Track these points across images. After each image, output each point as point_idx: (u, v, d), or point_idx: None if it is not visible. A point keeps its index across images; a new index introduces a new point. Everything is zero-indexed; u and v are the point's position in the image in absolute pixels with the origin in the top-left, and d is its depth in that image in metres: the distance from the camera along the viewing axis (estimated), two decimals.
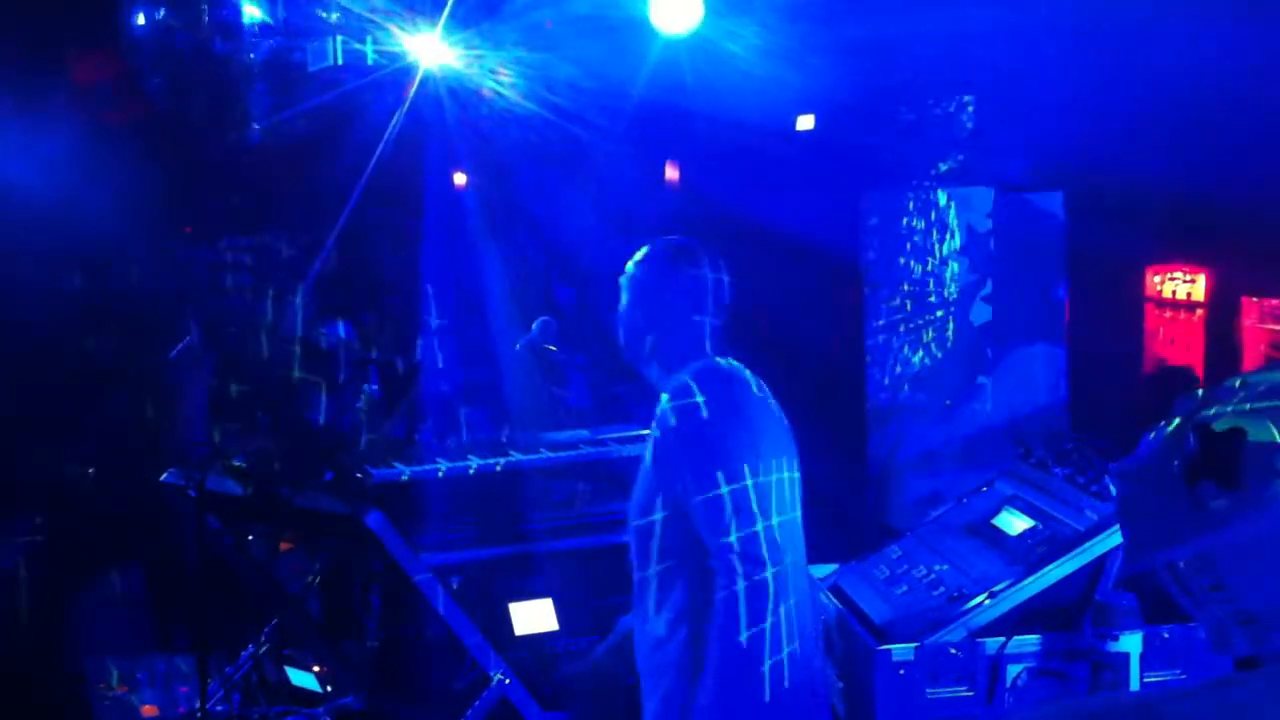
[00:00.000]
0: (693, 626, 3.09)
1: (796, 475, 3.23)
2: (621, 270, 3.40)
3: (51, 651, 5.78)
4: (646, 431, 4.21)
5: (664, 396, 3.15)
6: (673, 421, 3.09)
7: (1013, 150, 6.28)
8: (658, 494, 3.15)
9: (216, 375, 6.19)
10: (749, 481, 3.05)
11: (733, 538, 2.99)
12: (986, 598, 3.66)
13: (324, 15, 6.23)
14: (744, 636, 2.97)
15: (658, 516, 3.15)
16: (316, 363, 6.31)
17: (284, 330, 6.43)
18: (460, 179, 8.95)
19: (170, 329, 6.36)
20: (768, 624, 2.99)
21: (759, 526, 3.02)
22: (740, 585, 2.97)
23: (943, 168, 6.40)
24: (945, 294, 6.25)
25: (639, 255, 3.35)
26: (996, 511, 4.13)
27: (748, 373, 3.25)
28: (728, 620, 2.98)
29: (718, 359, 3.24)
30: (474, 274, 7.78)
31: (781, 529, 3.07)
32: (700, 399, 3.08)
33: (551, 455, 4.74)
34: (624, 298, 3.33)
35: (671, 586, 3.14)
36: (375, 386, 5.96)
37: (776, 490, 3.11)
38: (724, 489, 3.02)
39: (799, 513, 3.22)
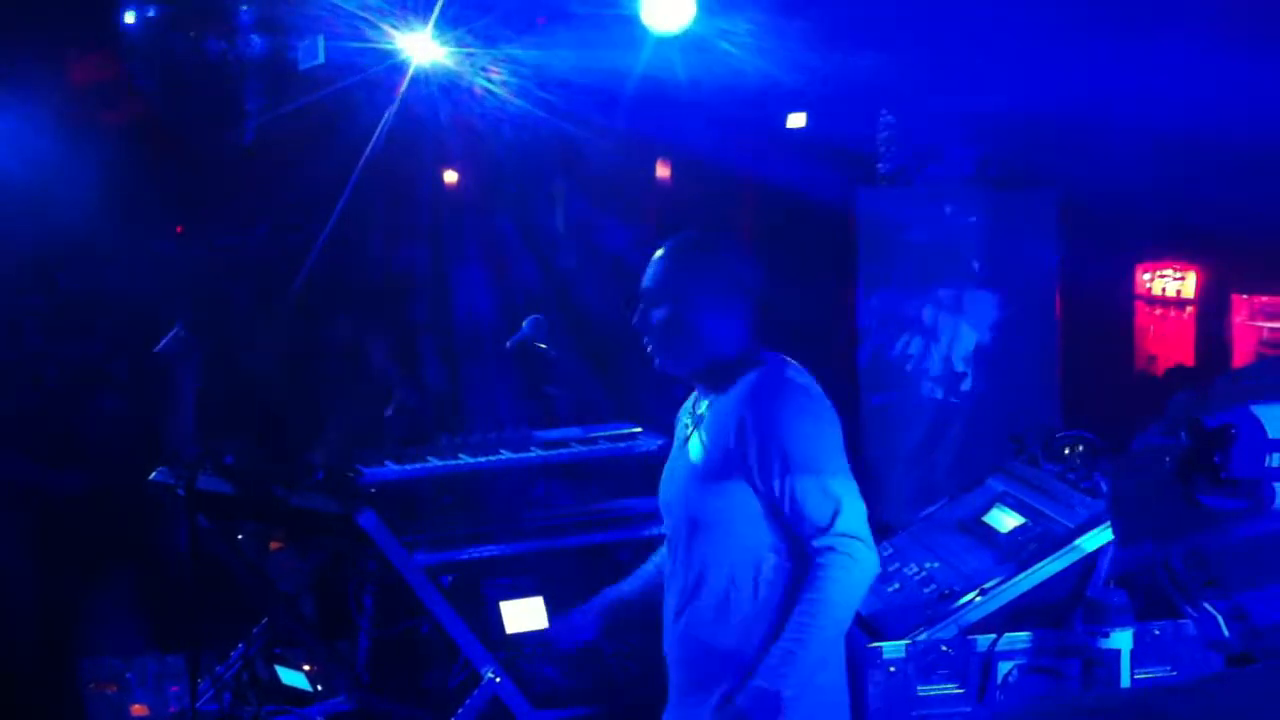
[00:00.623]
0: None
1: None
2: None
3: (42, 651, 5.77)
4: (636, 430, 4.23)
5: (754, 380, 3.14)
6: (789, 402, 3.10)
7: (1004, 149, 6.28)
8: (739, 478, 3.13)
9: (204, 373, 6.17)
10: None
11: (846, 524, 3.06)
12: (978, 595, 3.66)
13: (316, 13, 6.23)
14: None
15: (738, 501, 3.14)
16: (305, 362, 6.30)
17: (273, 329, 6.42)
18: (451, 176, 8.95)
19: (160, 327, 6.35)
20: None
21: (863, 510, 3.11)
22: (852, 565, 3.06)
23: (934, 166, 6.40)
24: (937, 292, 6.26)
25: (667, 253, 3.28)
26: (988, 508, 4.13)
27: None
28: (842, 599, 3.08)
29: (773, 355, 3.24)
30: (464, 271, 7.78)
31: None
32: (807, 381, 3.17)
33: (543, 453, 4.74)
34: (659, 297, 3.24)
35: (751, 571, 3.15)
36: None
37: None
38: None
39: None
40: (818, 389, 3.19)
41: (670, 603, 3.31)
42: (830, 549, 3.05)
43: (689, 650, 3.26)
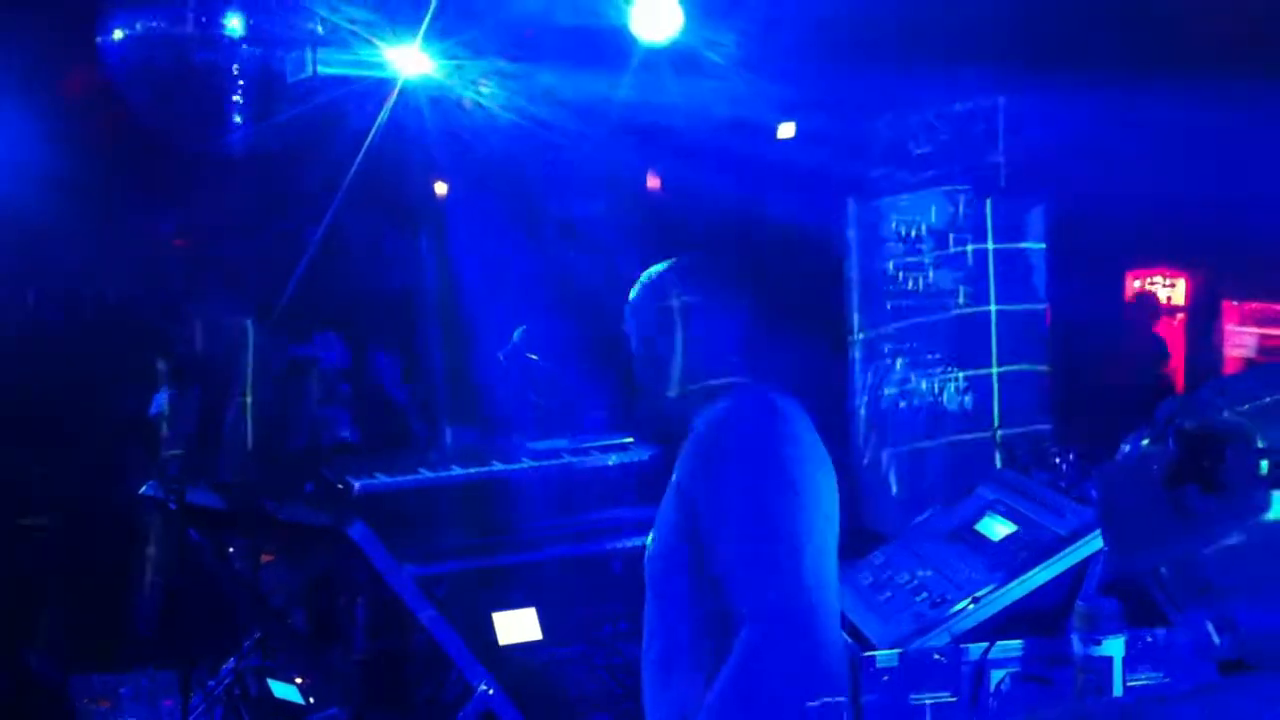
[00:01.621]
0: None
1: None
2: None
3: (33, 667, 5.75)
4: (627, 440, 4.20)
5: (716, 419, 2.94)
6: (738, 450, 2.85)
7: (994, 157, 6.29)
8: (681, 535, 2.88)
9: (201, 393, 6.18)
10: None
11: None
12: (970, 603, 3.66)
13: (304, 25, 6.22)
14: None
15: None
16: (295, 376, 6.30)
17: (262, 345, 6.42)
18: (441, 188, 8.95)
19: (152, 340, 6.35)
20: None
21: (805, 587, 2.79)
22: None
23: (924, 174, 6.41)
24: (928, 300, 6.26)
25: (649, 279, 3.17)
26: (979, 517, 4.13)
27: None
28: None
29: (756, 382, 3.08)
30: (455, 283, 7.78)
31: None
32: (768, 425, 2.88)
33: (533, 464, 4.73)
34: (633, 325, 3.16)
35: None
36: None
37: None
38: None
39: None
40: (791, 429, 2.91)
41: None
42: (745, 632, 2.70)
43: (646, 695, 3.05)
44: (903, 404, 6.37)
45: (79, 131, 7.18)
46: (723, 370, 3.07)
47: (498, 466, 4.69)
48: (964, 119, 6.32)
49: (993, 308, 6.17)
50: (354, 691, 4.82)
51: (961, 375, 6.14)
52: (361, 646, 4.76)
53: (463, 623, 4.42)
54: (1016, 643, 3.66)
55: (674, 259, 3.22)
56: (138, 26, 6.48)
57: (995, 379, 6.17)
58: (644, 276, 3.19)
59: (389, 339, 7.68)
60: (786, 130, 7.24)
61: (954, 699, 3.59)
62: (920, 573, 3.96)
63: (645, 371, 3.14)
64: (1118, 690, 3.47)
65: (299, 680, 4.88)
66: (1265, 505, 1.52)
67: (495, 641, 4.61)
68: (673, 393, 3.09)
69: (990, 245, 6.18)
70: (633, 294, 3.19)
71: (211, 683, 4.75)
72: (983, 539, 4.00)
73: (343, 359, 7.10)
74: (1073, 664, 3.51)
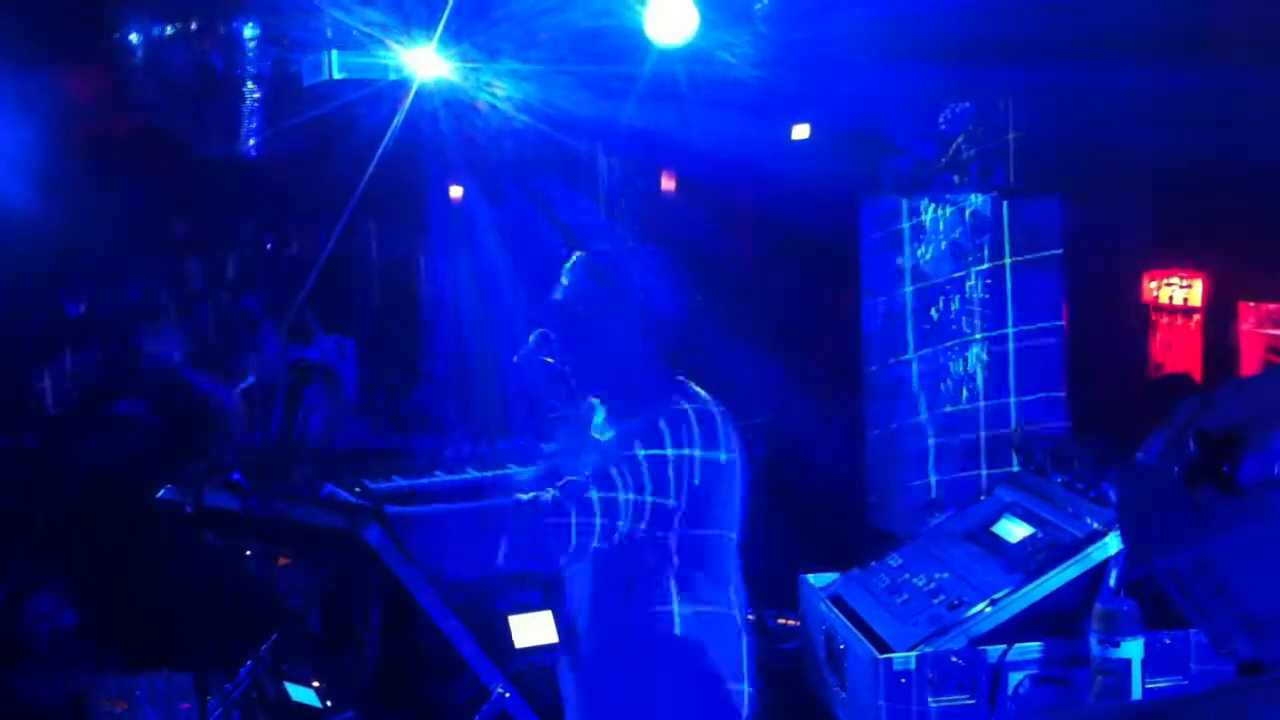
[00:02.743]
0: None
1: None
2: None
3: (51, 669, 5.77)
4: None
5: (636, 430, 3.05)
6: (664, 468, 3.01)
7: (1008, 156, 6.28)
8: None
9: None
10: None
11: None
12: (987, 605, 3.65)
13: (320, 29, 6.24)
14: None
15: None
16: (307, 378, 6.31)
17: (273, 347, 6.43)
18: (456, 192, 8.96)
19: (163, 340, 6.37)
20: None
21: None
22: None
23: (939, 175, 6.40)
24: (943, 302, 6.25)
25: (584, 263, 3.21)
26: (996, 519, 4.12)
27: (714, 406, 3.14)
28: None
29: (684, 387, 3.15)
30: (471, 286, 7.79)
31: None
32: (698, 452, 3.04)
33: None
34: (568, 309, 3.20)
35: None
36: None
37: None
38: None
39: None
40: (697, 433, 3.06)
41: None
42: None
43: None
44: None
45: (93, 136, 7.21)
46: (647, 370, 3.15)
47: (513, 469, 4.69)
48: (977, 118, 6.31)
49: (1004, 296, 6.16)
50: (370, 694, 4.82)
51: (979, 362, 6.14)
52: (376, 649, 4.77)
53: (479, 625, 4.42)
54: (1034, 644, 3.65)
55: (600, 252, 3.26)
56: (154, 31, 6.50)
57: (1010, 380, 6.15)
58: (568, 266, 3.23)
59: (396, 342, 7.69)
60: (801, 131, 7.24)
61: (972, 701, 3.59)
62: (937, 575, 3.95)
63: (574, 366, 3.24)
64: (1136, 692, 3.46)
65: (316, 684, 4.89)
66: None
67: (511, 644, 4.61)
68: (601, 388, 3.22)
69: (1007, 243, 6.17)
70: (560, 286, 3.23)
71: (228, 685, 4.75)
72: (1000, 541, 3.99)
73: (350, 363, 7.13)
74: (1091, 666, 3.51)
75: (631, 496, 3.03)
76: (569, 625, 3.30)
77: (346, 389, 6.92)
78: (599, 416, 3.28)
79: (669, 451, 3.02)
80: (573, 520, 2.99)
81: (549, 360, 3.32)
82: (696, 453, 3.03)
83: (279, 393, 6.34)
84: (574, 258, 3.24)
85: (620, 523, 3.04)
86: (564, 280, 3.22)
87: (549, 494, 3.03)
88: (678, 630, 3.14)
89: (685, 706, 3.17)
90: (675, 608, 3.14)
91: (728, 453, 3.09)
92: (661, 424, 3.04)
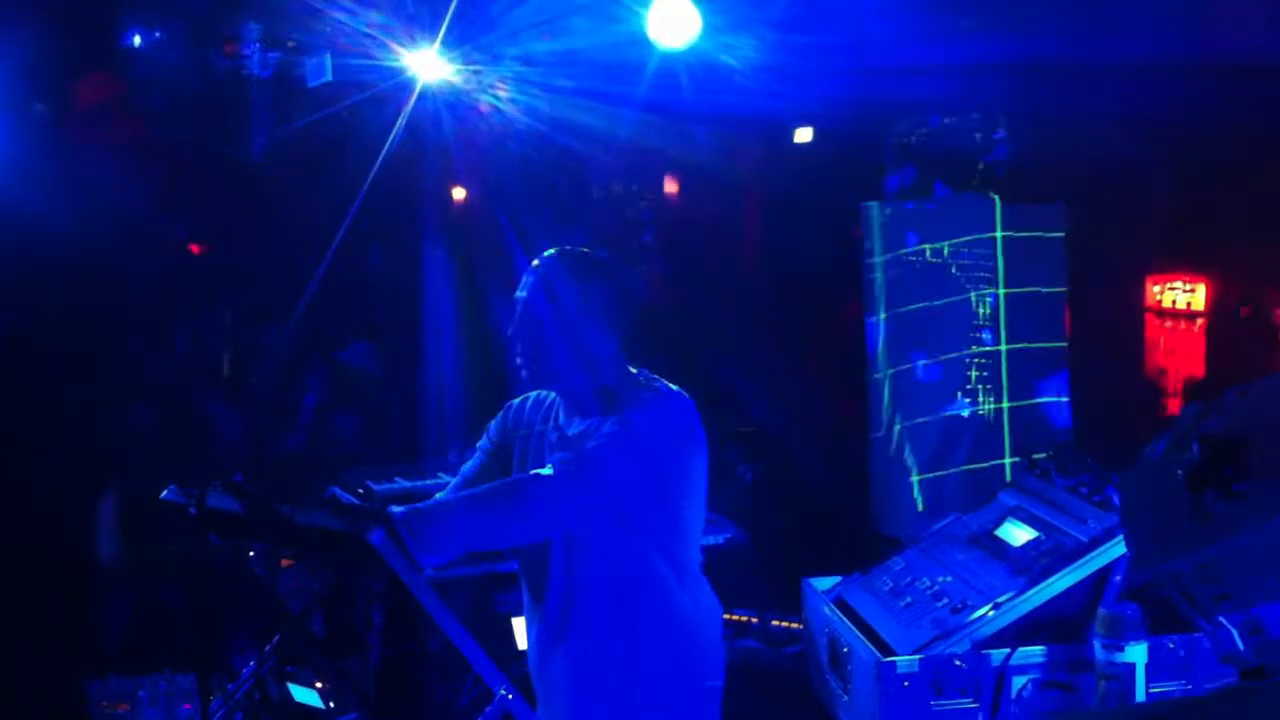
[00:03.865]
0: None
1: None
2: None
3: (53, 669, 5.77)
4: None
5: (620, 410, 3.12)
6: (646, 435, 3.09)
7: (1010, 161, 6.28)
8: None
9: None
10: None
11: None
12: (990, 609, 3.65)
13: (322, 31, 6.24)
14: None
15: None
16: (312, 382, 6.31)
17: (277, 351, 6.43)
18: (459, 194, 8.95)
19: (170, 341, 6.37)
20: None
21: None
22: None
23: (941, 180, 6.40)
24: (946, 307, 6.25)
25: (547, 263, 3.25)
26: (999, 523, 4.12)
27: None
28: None
29: (649, 379, 3.22)
30: (472, 290, 7.79)
31: None
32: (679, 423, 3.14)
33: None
34: (531, 308, 3.23)
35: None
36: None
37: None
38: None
39: None
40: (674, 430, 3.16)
41: None
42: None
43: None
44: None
45: (95, 139, 7.21)
46: (610, 364, 3.22)
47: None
48: (979, 123, 6.31)
49: (1001, 300, 6.16)
50: (373, 696, 4.82)
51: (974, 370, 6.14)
52: (380, 651, 4.77)
53: (482, 627, 4.42)
54: (1038, 649, 3.65)
55: (566, 249, 3.31)
56: (157, 34, 6.51)
57: (1012, 385, 6.16)
58: (534, 263, 3.27)
59: (402, 346, 7.69)
60: (804, 135, 7.24)
61: (975, 705, 3.59)
62: (941, 579, 3.95)
63: (531, 360, 3.27)
64: (1140, 697, 3.46)
65: (319, 685, 4.89)
66: None
67: (515, 646, 4.62)
68: (562, 383, 3.27)
69: (1006, 248, 6.17)
70: (524, 281, 3.27)
71: (231, 686, 4.76)
72: (1004, 545, 3.99)
73: (374, 367, 7.13)
74: (1095, 670, 3.50)
75: (606, 488, 3.11)
76: (557, 616, 3.35)
77: (379, 392, 6.93)
78: (563, 414, 3.28)
79: (639, 443, 3.08)
80: (567, 489, 3.06)
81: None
82: (664, 442, 3.10)
83: (306, 397, 6.35)
84: (535, 260, 3.28)
85: (597, 510, 3.09)
86: (527, 279, 3.26)
87: (546, 470, 3.10)
88: (660, 620, 3.17)
89: (671, 698, 3.19)
90: (654, 597, 3.17)
91: (695, 442, 3.15)
92: (628, 416, 3.09)
